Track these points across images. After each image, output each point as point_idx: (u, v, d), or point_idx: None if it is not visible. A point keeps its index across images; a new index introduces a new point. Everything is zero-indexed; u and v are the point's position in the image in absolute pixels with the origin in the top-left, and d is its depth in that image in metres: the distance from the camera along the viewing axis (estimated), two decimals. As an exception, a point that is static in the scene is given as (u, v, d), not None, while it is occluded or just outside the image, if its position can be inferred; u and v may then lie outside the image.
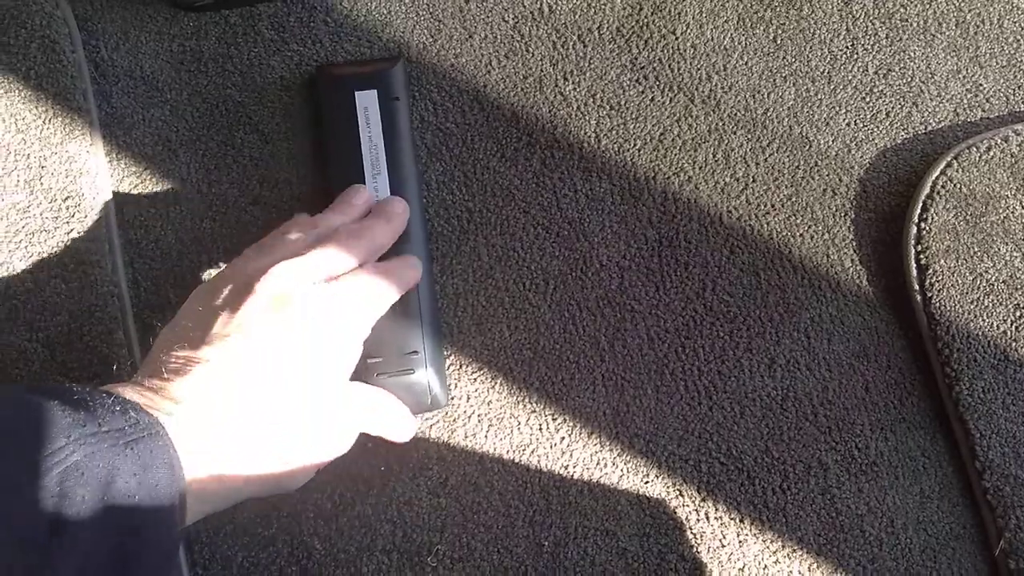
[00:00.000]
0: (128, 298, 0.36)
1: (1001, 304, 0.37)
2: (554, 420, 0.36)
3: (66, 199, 0.37)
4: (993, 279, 0.37)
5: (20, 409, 0.22)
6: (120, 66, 0.39)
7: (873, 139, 0.39)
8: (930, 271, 0.37)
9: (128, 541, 0.22)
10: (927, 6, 0.41)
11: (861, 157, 0.39)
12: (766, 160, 0.39)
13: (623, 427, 0.36)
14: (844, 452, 0.36)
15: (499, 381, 0.36)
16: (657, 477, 0.35)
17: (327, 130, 0.36)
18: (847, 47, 0.40)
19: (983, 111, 0.40)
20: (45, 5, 0.38)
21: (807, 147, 0.39)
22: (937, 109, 0.40)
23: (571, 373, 0.36)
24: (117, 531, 0.22)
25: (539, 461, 0.35)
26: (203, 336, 0.27)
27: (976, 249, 0.37)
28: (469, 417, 0.36)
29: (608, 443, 0.36)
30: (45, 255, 0.36)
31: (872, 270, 0.38)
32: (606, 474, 0.35)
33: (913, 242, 0.37)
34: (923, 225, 0.37)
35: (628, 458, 0.35)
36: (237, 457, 0.26)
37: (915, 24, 0.41)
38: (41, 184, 0.36)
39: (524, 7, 0.40)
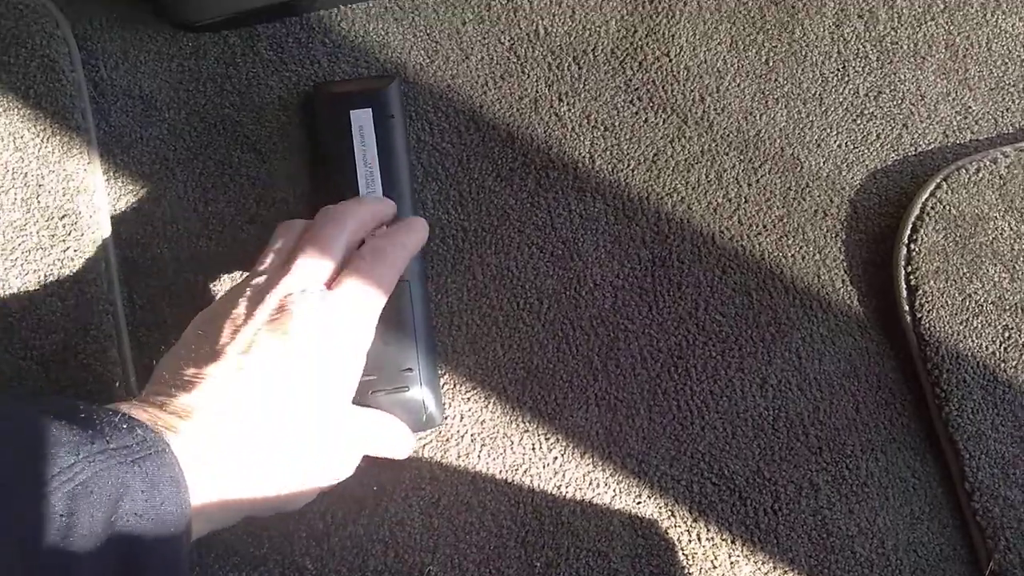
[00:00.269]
0: (123, 316, 0.36)
1: (990, 325, 0.37)
2: (547, 440, 0.36)
3: (63, 217, 0.37)
4: (982, 300, 0.37)
5: (27, 425, 0.22)
6: (119, 85, 0.40)
7: (864, 161, 0.40)
8: (920, 292, 0.37)
9: (135, 560, 0.22)
10: (917, 29, 0.42)
11: (852, 178, 0.39)
12: (758, 181, 0.39)
13: (616, 447, 0.36)
14: (835, 473, 0.36)
15: (492, 400, 0.36)
16: (649, 498, 0.35)
17: (322, 149, 0.37)
18: (838, 70, 0.41)
19: (972, 133, 0.40)
20: (45, 25, 0.39)
21: (799, 168, 0.40)
22: (927, 131, 0.40)
23: (564, 392, 0.36)
24: (125, 550, 0.22)
25: (532, 481, 0.35)
26: (207, 355, 0.27)
27: (965, 270, 0.38)
28: (462, 437, 0.36)
29: (601, 463, 0.36)
30: (41, 273, 0.36)
31: (863, 291, 0.38)
32: (598, 494, 0.35)
33: (903, 263, 0.38)
34: (913, 246, 0.38)
35: (620, 478, 0.36)
36: (241, 476, 0.26)
37: (905, 47, 0.41)
38: (38, 202, 0.37)
39: (520, 29, 0.41)
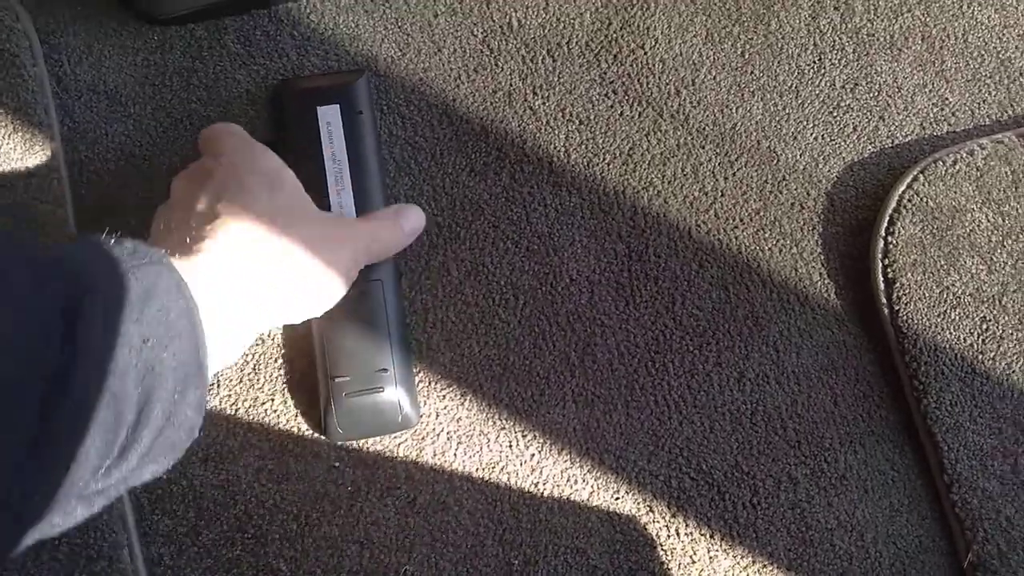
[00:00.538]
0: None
1: (967, 317, 0.37)
2: (524, 437, 0.35)
3: (27, 215, 0.36)
4: (959, 292, 0.37)
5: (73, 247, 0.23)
6: (83, 80, 0.39)
7: (840, 153, 0.40)
8: (897, 284, 0.37)
9: (157, 347, 0.22)
10: (893, 21, 0.41)
11: (828, 171, 0.39)
12: (734, 174, 0.39)
13: (593, 443, 0.35)
14: (813, 466, 0.36)
15: (469, 398, 0.36)
16: (627, 493, 0.35)
17: (289, 146, 0.36)
18: (814, 62, 0.41)
19: (949, 125, 0.40)
20: (5, 18, 0.38)
21: (775, 161, 0.39)
22: (904, 123, 0.40)
23: (541, 389, 0.36)
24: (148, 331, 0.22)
25: (509, 479, 0.35)
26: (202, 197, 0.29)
27: (943, 262, 0.37)
28: (438, 435, 0.35)
29: (578, 459, 0.35)
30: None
31: (840, 283, 0.38)
32: (576, 491, 0.35)
33: (880, 256, 0.38)
34: (890, 239, 0.38)
35: (598, 474, 0.35)
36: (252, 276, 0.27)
37: (882, 39, 0.41)
38: (1, 199, 0.36)
39: (493, 21, 0.40)
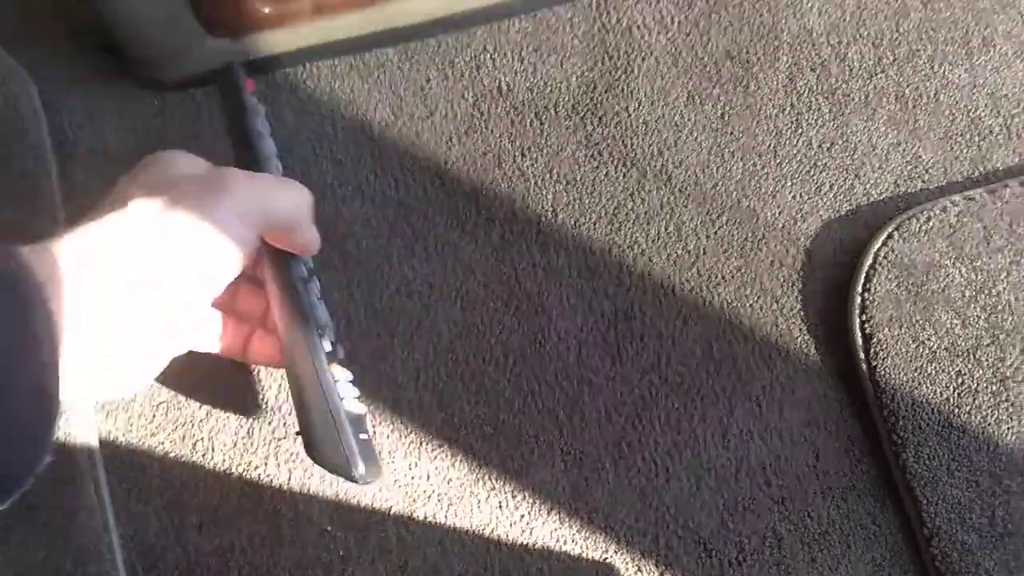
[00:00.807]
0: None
1: (943, 371, 0.38)
2: (514, 498, 0.36)
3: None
4: (935, 346, 0.38)
5: None
6: (84, 144, 0.40)
7: (818, 211, 0.41)
8: (874, 340, 0.38)
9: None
10: (867, 82, 0.43)
11: (807, 228, 0.41)
12: (716, 232, 0.40)
13: (582, 502, 0.36)
14: (797, 521, 0.37)
15: (459, 458, 0.36)
16: (616, 552, 0.36)
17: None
18: (792, 122, 0.42)
19: (923, 182, 0.42)
20: (7, 81, 0.39)
21: (755, 219, 0.41)
22: (879, 181, 0.42)
23: (531, 448, 0.37)
24: None
25: (499, 540, 0.36)
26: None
27: (918, 317, 0.39)
28: (429, 497, 0.36)
29: (567, 519, 0.36)
30: None
31: (820, 339, 0.39)
32: (566, 551, 0.36)
33: (858, 312, 0.39)
34: (867, 295, 0.39)
35: (587, 534, 0.36)
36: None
37: (857, 99, 0.43)
38: (0, 267, 0.37)
39: (483, 85, 0.42)
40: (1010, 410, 0.38)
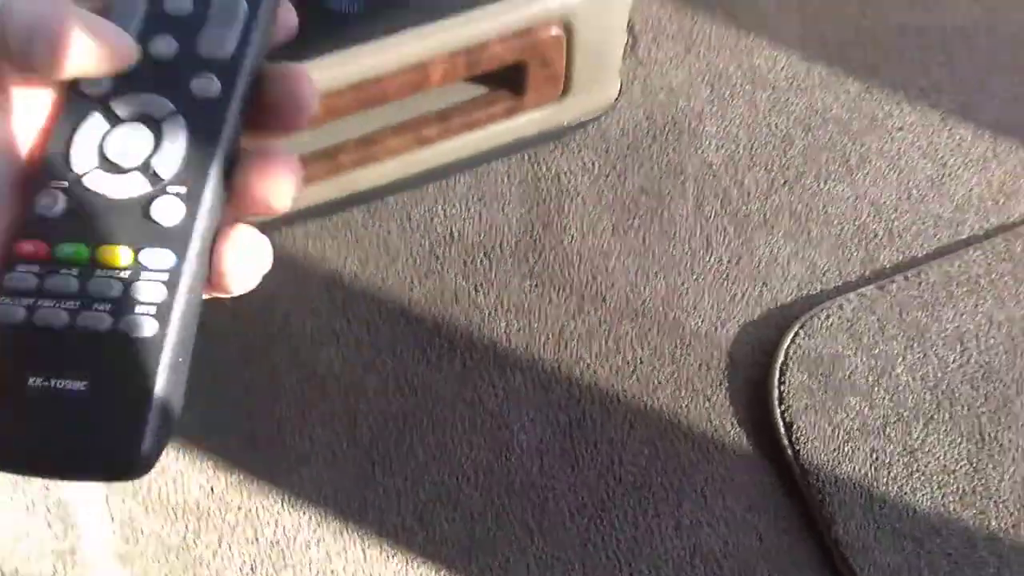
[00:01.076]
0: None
1: (859, 449, 0.44)
2: (491, 604, 0.40)
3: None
4: (849, 428, 0.44)
5: None
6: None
7: (735, 317, 0.47)
8: (795, 427, 0.44)
9: None
10: (764, 203, 0.51)
11: (727, 333, 0.47)
12: (649, 343, 0.46)
13: (554, 603, 0.40)
14: (749, 601, 0.40)
15: (443, 574, 0.40)
16: (588, 647, 0.39)
17: None
18: (703, 243, 0.49)
19: (821, 284, 0.49)
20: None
21: (681, 329, 0.47)
22: (783, 287, 0.49)
23: (506, 557, 0.41)
24: None
25: (482, 646, 0.39)
26: None
27: (830, 404, 0.44)
28: (414, 612, 0.39)
29: (542, 620, 0.40)
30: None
31: (749, 431, 0.44)
32: (543, 651, 0.39)
33: (777, 403, 0.44)
34: (783, 388, 0.45)
35: (561, 632, 0.39)
36: None
37: (756, 218, 0.50)
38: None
39: (437, 233, 0.48)
40: (921, 479, 0.43)
